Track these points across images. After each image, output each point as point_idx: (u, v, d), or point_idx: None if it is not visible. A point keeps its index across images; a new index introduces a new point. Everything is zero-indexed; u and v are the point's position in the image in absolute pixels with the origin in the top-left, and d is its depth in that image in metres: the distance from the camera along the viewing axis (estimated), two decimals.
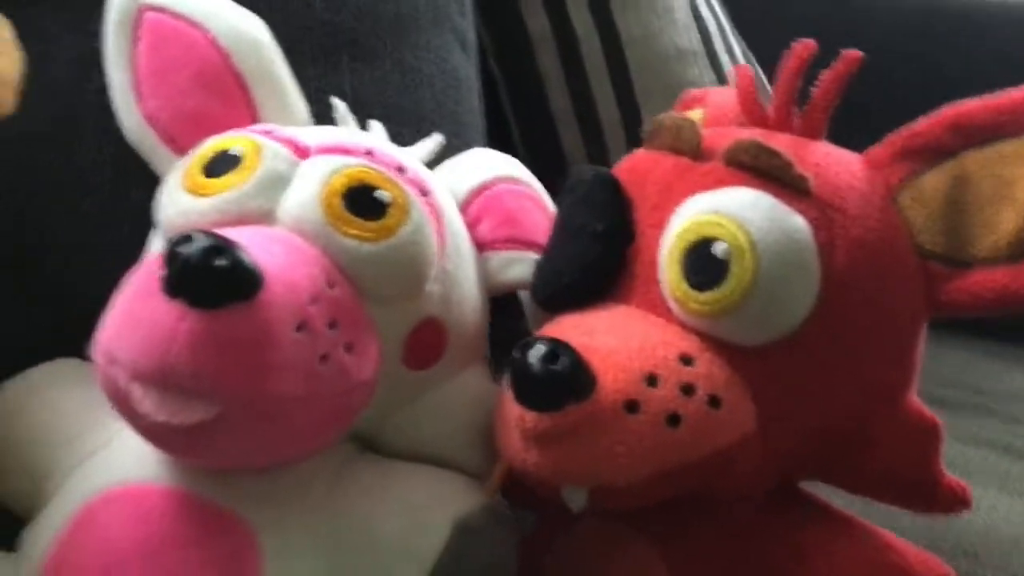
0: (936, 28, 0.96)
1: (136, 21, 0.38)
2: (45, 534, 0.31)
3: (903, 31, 0.96)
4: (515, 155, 0.72)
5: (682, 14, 0.74)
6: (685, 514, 0.34)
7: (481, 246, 0.38)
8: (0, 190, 0.39)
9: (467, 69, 0.55)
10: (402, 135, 0.41)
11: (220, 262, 0.26)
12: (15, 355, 0.37)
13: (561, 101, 0.71)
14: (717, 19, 0.79)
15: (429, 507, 0.32)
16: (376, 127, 0.40)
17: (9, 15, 0.35)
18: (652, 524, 0.34)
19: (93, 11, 0.39)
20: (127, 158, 0.37)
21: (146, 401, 0.27)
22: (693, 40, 0.74)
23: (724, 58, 0.77)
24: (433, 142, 0.40)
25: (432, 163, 0.40)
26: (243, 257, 0.27)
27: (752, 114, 0.37)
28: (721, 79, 0.74)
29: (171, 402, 0.27)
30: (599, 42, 0.71)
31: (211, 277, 0.26)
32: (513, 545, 0.34)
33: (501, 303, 0.39)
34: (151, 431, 0.28)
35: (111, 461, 0.32)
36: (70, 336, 0.36)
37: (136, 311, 0.27)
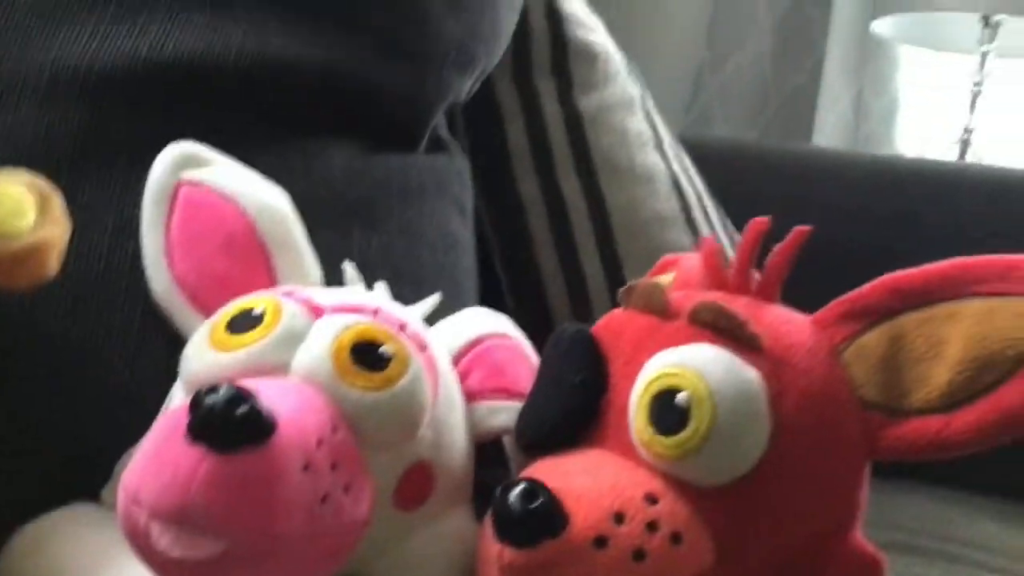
0: (896, 188, 1.04)
1: (173, 194, 0.43)
2: None
3: (864, 191, 1.03)
4: (504, 310, 0.78)
5: (663, 183, 0.81)
6: None
7: (470, 396, 0.42)
8: (36, 345, 0.43)
9: (464, 233, 0.60)
10: (404, 294, 0.46)
11: (240, 410, 0.30)
12: (34, 499, 0.40)
13: (549, 262, 0.76)
14: (695, 188, 0.85)
15: None
16: (381, 287, 0.45)
17: (62, 187, 0.40)
18: None
19: (132, 185, 0.44)
20: (152, 318, 0.42)
21: (163, 539, 0.30)
22: (673, 207, 0.80)
23: (701, 223, 0.83)
24: (431, 301, 0.45)
25: (430, 318, 0.45)
26: (260, 405, 0.31)
27: (715, 279, 0.42)
28: (698, 242, 0.80)
29: (185, 539, 0.30)
30: (586, 208, 0.77)
31: (231, 423, 0.30)
32: None
33: (484, 451, 0.43)
34: (165, 567, 0.31)
35: None
36: (85, 480, 0.40)
37: (161, 455, 0.31)
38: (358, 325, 0.37)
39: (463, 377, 0.42)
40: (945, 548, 0.68)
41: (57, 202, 0.40)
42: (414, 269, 0.53)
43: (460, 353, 0.43)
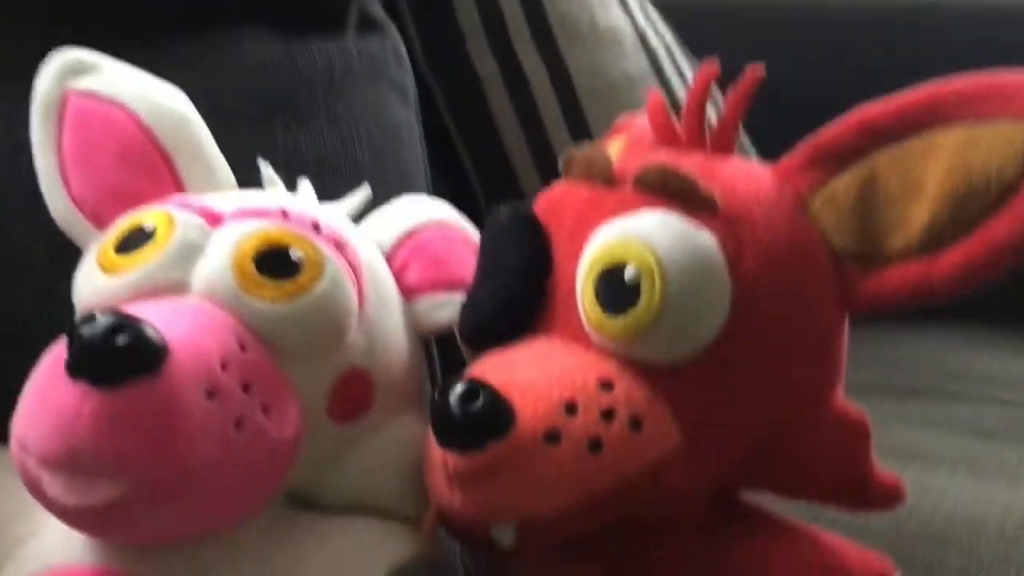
0: (889, 26, 0.98)
1: (60, 107, 0.39)
2: None
3: (854, 31, 0.98)
4: (475, 199, 0.74)
5: (629, 42, 0.75)
6: (625, 539, 0.34)
7: (409, 291, 0.38)
8: None
9: (406, 118, 0.56)
10: (342, 191, 0.42)
11: (121, 339, 0.27)
12: None
13: (515, 141, 0.72)
14: (664, 43, 0.80)
15: (363, 559, 0.32)
16: (304, 186, 0.41)
17: None
18: (593, 553, 0.34)
19: (20, 101, 0.40)
20: (59, 243, 0.38)
21: (54, 485, 0.27)
22: (642, 66, 0.75)
23: (675, 80, 0.77)
24: (360, 195, 0.41)
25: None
26: (146, 332, 0.27)
27: (664, 136, 0.38)
28: (673, 101, 0.75)
29: (78, 484, 0.27)
30: (548, 79, 0.72)
31: (112, 355, 0.27)
32: None
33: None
34: (64, 514, 0.28)
35: (40, 547, 0.32)
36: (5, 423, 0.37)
37: (44, 395, 0.28)
38: (261, 230, 0.33)
39: (400, 272, 0.38)
40: (947, 385, 0.66)
41: None
42: (350, 163, 0.49)
43: (395, 246, 0.39)
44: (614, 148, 0.42)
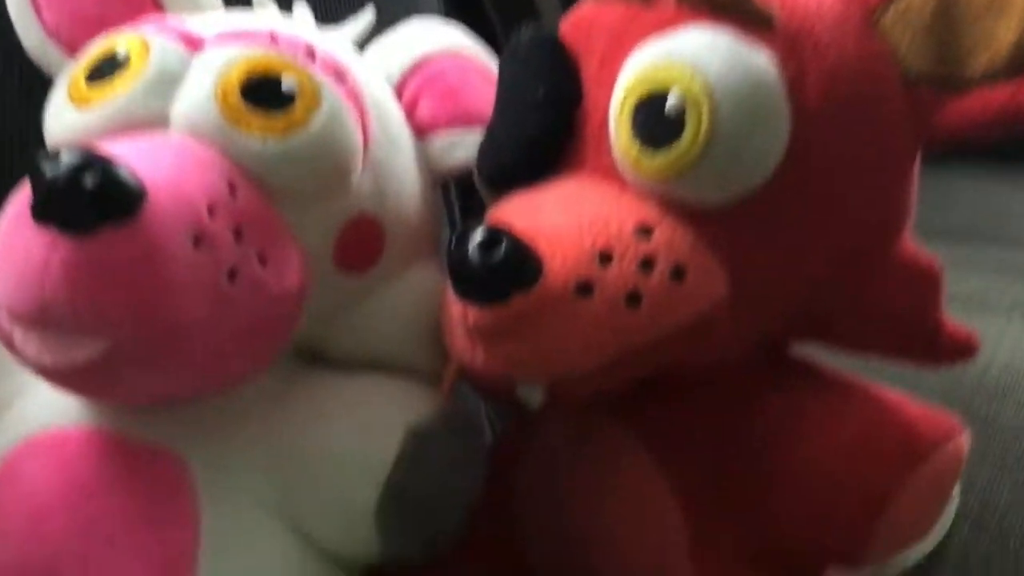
0: None
1: None
2: None
3: None
4: (490, 25, 0.68)
5: None
6: (661, 392, 0.31)
7: (422, 129, 0.34)
8: None
9: None
10: (343, 16, 0.37)
11: (89, 180, 0.23)
12: None
13: None
14: None
15: (379, 416, 0.30)
16: (300, 8, 0.36)
17: None
18: (627, 406, 0.32)
19: None
20: (35, 79, 0.34)
21: (29, 343, 0.24)
22: None
23: None
24: (363, 20, 0.37)
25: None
26: (118, 172, 0.24)
27: None
28: None
29: (54, 341, 0.24)
30: None
31: (81, 197, 0.23)
32: (475, 447, 0.32)
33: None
34: (44, 373, 0.26)
35: (29, 409, 0.30)
36: None
37: (9, 243, 0.25)
38: (247, 56, 0.29)
39: (410, 107, 0.34)
40: (1005, 231, 0.61)
41: None
42: None
43: (404, 78, 0.35)
44: None
